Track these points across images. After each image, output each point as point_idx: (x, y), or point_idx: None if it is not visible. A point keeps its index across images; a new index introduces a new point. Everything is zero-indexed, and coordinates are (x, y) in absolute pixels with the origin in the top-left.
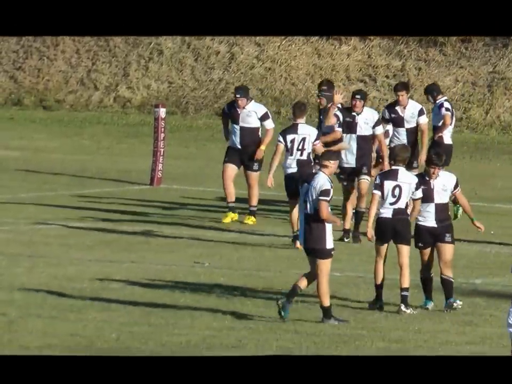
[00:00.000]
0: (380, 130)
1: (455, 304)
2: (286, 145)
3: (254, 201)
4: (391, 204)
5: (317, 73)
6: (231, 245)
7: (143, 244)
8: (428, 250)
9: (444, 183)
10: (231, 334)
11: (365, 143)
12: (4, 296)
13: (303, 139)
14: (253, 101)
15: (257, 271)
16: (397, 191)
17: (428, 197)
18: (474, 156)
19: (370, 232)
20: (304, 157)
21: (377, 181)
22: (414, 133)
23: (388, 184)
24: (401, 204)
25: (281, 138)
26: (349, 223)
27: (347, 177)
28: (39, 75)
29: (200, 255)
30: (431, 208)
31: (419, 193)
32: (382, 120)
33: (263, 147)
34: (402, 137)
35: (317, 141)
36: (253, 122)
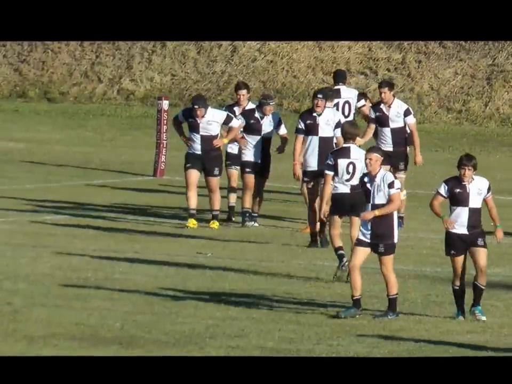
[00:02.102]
0: (338, 133)
1: (477, 316)
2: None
3: (217, 206)
4: (347, 180)
5: (318, 66)
6: (234, 235)
7: (146, 234)
8: (460, 258)
9: (479, 187)
10: (234, 324)
11: (327, 145)
12: (9, 285)
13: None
14: (209, 107)
15: (260, 262)
16: (350, 168)
17: (462, 201)
18: (474, 148)
19: (326, 210)
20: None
21: (330, 161)
22: (400, 133)
23: (342, 162)
24: (356, 180)
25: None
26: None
27: (311, 179)
28: (44, 68)
29: (203, 245)
30: (464, 212)
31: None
32: (370, 120)
33: (225, 140)
34: (387, 137)
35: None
36: (214, 130)
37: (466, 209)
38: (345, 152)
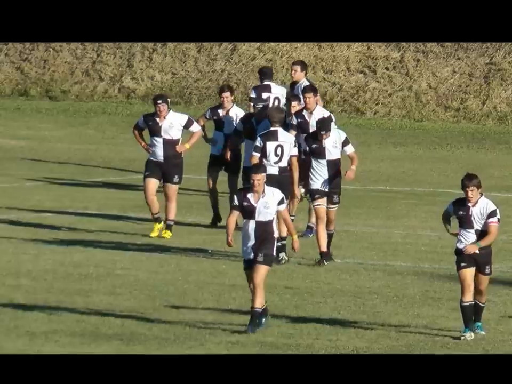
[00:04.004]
0: (350, 149)
1: (476, 331)
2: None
3: (172, 215)
4: (275, 162)
5: (318, 65)
6: (234, 231)
7: (147, 231)
8: (469, 272)
9: (481, 212)
10: (233, 319)
11: (336, 167)
12: (11, 281)
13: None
14: (171, 110)
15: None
16: (279, 151)
17: (467, 223)
18: (471, 146)
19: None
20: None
21: (259, 144)
22: None
23: (270, 145)
24: (284, 162)
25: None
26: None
27: (319, 198)
28: (45, 66)
29: (203, 241)
30: (471, 234)
31: (295, 151)
32: (291, 127)
33: (187, 145)
34: None
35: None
36: (175, 134)
37: (472, 231)
38: (273, 135)
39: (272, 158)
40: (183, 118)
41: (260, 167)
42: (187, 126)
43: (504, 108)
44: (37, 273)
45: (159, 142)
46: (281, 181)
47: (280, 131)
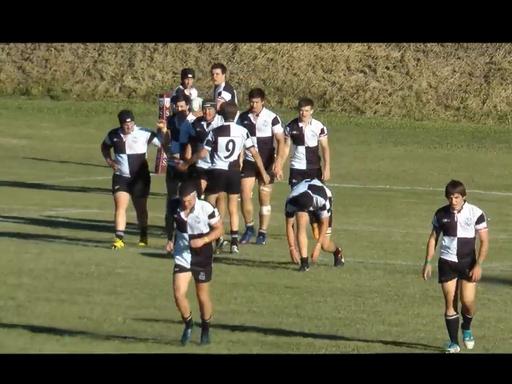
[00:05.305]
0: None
1: (465, 342)
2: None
3: (145, 223)
4: (226, 157)
5: (318, 64)
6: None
7: (148, 229)
8: (451, 283)
9: (468, 217)
10: (235, 318)
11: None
12: (13, 280)
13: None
14: (135, 126)
15: (260, 257)
16: (230, 146)
17: (450, 230)
18: (472, 145)
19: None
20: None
21: (211, 138)
22: (266, 143)
23: (222, 140)
24: (234, 157)
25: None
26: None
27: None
28: (47, 65)
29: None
30: (453, 242)
31: (249, 142)
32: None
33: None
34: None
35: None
36: (140, 149)
37: (455, 239)
38: (225, 130)
39: (223, 152)
40: (146, 135)
41: (187, 189)
42: (150, 140)
43: (504, 107)
44: (38, 272)
45: (124, 159)
46: (230, 176)
47: (233, 125)
